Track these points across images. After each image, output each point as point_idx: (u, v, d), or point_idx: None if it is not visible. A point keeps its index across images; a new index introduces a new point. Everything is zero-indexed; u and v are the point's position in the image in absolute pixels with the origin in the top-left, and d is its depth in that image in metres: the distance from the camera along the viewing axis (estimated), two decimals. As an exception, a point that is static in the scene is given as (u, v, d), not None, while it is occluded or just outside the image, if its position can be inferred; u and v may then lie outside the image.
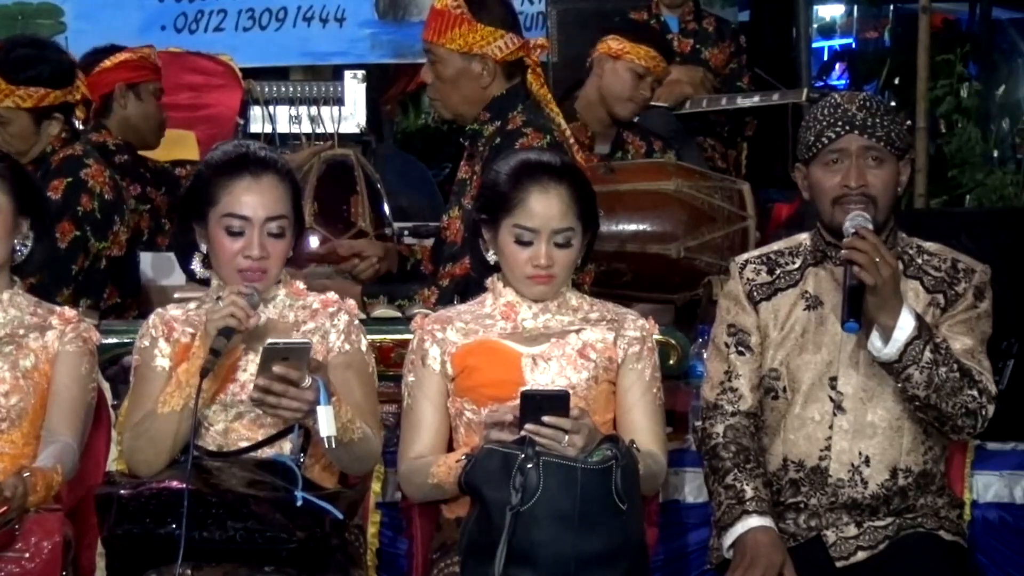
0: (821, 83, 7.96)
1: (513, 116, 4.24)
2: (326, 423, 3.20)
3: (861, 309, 3.29)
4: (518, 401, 3.19)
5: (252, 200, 3.36)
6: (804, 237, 3.60)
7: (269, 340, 3.22)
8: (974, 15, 9.64)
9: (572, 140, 4.38)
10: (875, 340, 3.33)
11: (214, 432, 3.38)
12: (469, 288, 3.66)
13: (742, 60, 6.62)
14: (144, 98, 5.23)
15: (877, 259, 3.26)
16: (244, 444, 3.36)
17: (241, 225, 3.36)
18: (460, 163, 4.47)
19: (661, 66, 5.62)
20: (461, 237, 4.13)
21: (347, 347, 3.44)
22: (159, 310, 3.50)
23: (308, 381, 3.20)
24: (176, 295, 4.02)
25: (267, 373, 3.18)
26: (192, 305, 3.47)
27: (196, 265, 3.46)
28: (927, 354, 3.31)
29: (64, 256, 4.49)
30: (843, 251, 3.33)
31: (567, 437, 3.16)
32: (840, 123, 3.41)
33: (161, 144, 5.43)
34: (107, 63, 5.15)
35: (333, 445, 3.23)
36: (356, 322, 3.49)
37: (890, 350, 3.32)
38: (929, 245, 3.56)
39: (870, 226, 3.35)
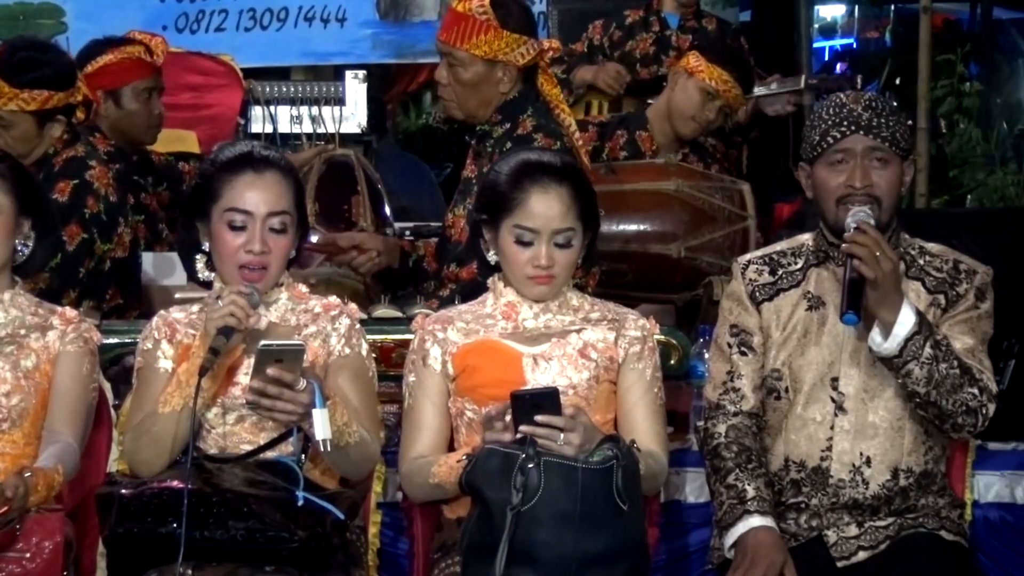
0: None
1: (523, 120, 4.24)
2: (321, 426, 3.20)
3: (860, 302, 3.29)
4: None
5: (254, 195, 3.37)
6: (806, 237, 3.60)
7: (263, 342, 3.22)
8: (975, 15, 9.63)
9: (580, 143, 4.38)
10: (875, 335, 3.33)
11: (215, 435, 3.38)
12: (477, 293, 3.66)
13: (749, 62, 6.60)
14: (125, 103, 5.08)
15: (878, 253, 3.27)
16: (246, 447, 3.36)
17: (243, 219, 3.36)
18: (465, 162, 4.47)
19: (734, 92, 5.52)
20: (466, 237, 4.14)
21: (347, 351, 3.44)
22: (162, 312, 3.51)
23: (303, 383, 3.20)
24: (177, 295, 4.03)
25: (261, 375, 3.18)
26: (195, 307, 3.47)
27: (200, 267, 3.47)
28: (927, 350, 3.31)
29: (72, 259, 4.49)
30: (844, 245, 3.33)
31: (562, 435, 3.16)
32: (845, 123, 3.41)
33: (162, 144, 5.42)
34: (89, 68, 5.03)
35: (328, 448, 3.23)
36: (357, 326, 3.49)
37: (890, 345, 3.32)
38: (931, 246, 3.56)
39: (872, 221, 3.35)
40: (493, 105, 4.27)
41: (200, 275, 3.48)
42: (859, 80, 6.42)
